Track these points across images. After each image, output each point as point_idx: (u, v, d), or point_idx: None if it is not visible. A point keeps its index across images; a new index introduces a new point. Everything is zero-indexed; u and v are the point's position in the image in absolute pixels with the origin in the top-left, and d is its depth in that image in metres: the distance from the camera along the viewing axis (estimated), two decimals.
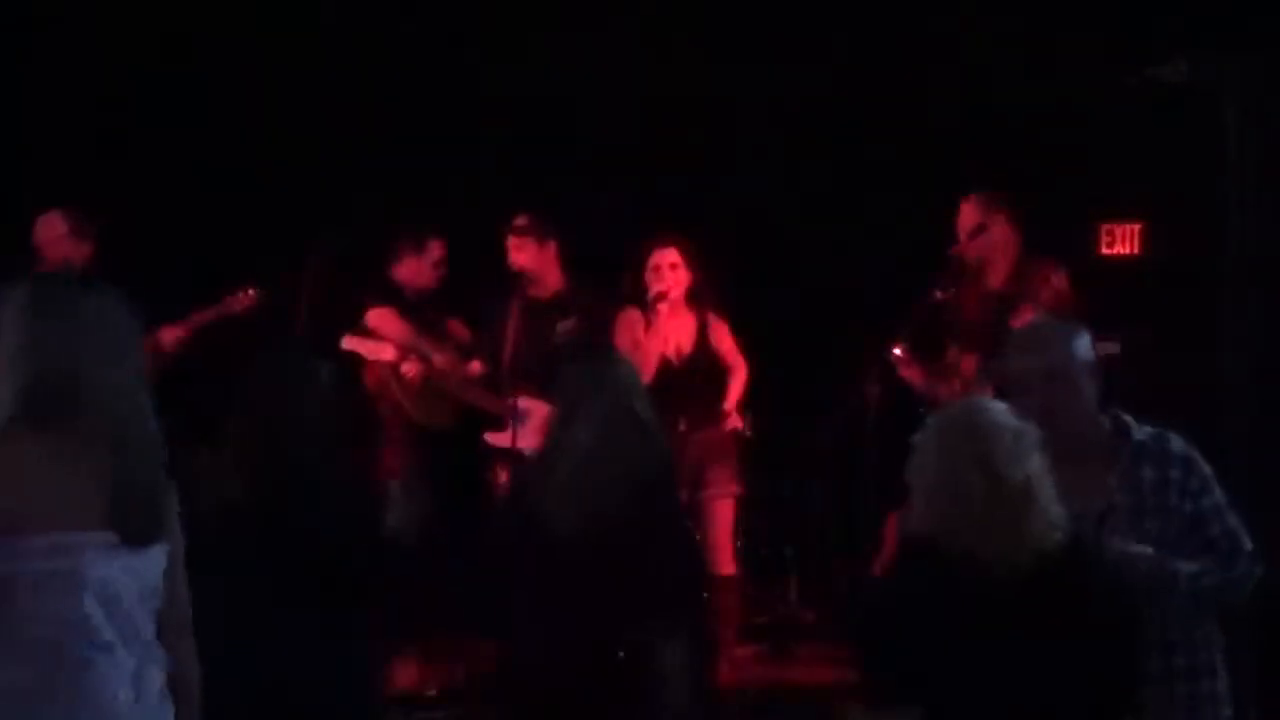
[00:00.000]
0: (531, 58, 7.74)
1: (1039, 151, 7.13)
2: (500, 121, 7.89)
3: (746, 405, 7.48)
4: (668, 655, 4.37)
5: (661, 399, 6.31)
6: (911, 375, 6.58)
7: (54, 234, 6.73)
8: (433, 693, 6.33)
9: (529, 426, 6.42)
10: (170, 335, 6.80)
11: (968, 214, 6.57)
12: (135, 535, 2.95)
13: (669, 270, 6.45)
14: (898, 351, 6.72)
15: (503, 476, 6.48)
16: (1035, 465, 3.22)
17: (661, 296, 6.41)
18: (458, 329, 7.16)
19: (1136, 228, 6.71)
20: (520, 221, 6.71)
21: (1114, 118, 7.03)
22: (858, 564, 6.67)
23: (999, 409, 3.30)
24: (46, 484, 2.89)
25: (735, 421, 6.59)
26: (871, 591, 3.67)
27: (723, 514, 6.46)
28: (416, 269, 7.10)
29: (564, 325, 6.59)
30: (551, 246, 6.72)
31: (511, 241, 6.69)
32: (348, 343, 6.88)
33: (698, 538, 5.99)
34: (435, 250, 7.12)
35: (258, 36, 7.66)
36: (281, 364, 4.38)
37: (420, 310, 7.09)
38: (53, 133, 7.60)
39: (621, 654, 4.29)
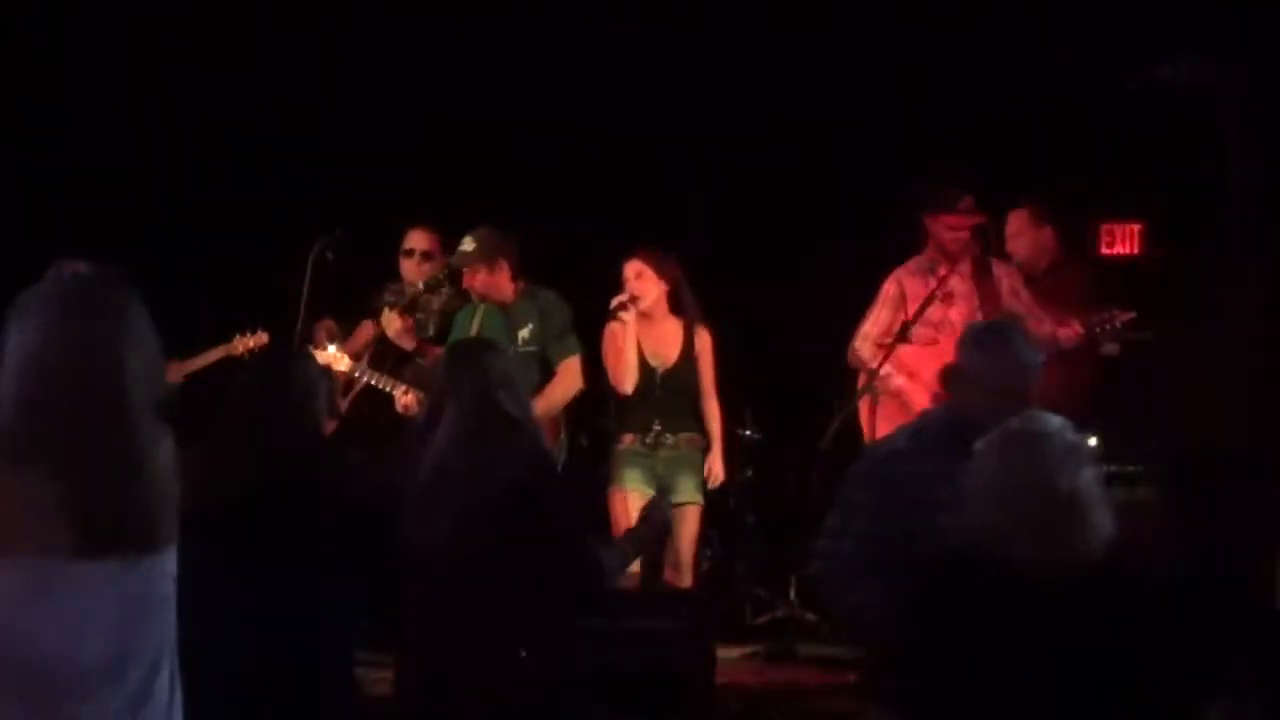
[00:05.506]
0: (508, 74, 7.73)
1: (1039, 151, 7.14)
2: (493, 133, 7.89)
3: (748, 404, 7.48)
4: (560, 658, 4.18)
5: (643, 406, 6.38)
6: None
7: None
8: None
9: None
10: (175, 372, 6.51)
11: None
12: (120, 550, 2.77)
13: (634, 280, 6.45)
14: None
15: None
16: (1087, 478, 3.24)
17: (622, 306, 6.40)
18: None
19: (1136, 228, 6.72)
20: (468, 248, 6.51)
21: (1114, 118, 7.04)
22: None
23: (1057, 423, 3.32)
24: (30, 503, 2.71)
25: (718, 474, 6.51)
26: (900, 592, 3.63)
27: (686, 524, 6.40)
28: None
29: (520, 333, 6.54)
30: (502, 265, 6.57)
31: (464, 268, 6.57)
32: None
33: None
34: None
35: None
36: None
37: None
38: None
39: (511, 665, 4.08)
